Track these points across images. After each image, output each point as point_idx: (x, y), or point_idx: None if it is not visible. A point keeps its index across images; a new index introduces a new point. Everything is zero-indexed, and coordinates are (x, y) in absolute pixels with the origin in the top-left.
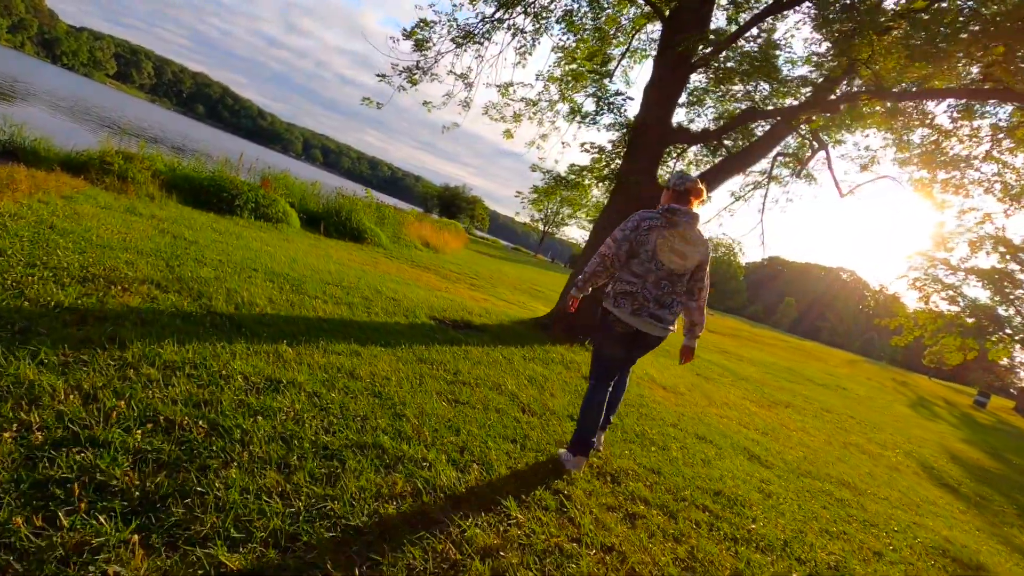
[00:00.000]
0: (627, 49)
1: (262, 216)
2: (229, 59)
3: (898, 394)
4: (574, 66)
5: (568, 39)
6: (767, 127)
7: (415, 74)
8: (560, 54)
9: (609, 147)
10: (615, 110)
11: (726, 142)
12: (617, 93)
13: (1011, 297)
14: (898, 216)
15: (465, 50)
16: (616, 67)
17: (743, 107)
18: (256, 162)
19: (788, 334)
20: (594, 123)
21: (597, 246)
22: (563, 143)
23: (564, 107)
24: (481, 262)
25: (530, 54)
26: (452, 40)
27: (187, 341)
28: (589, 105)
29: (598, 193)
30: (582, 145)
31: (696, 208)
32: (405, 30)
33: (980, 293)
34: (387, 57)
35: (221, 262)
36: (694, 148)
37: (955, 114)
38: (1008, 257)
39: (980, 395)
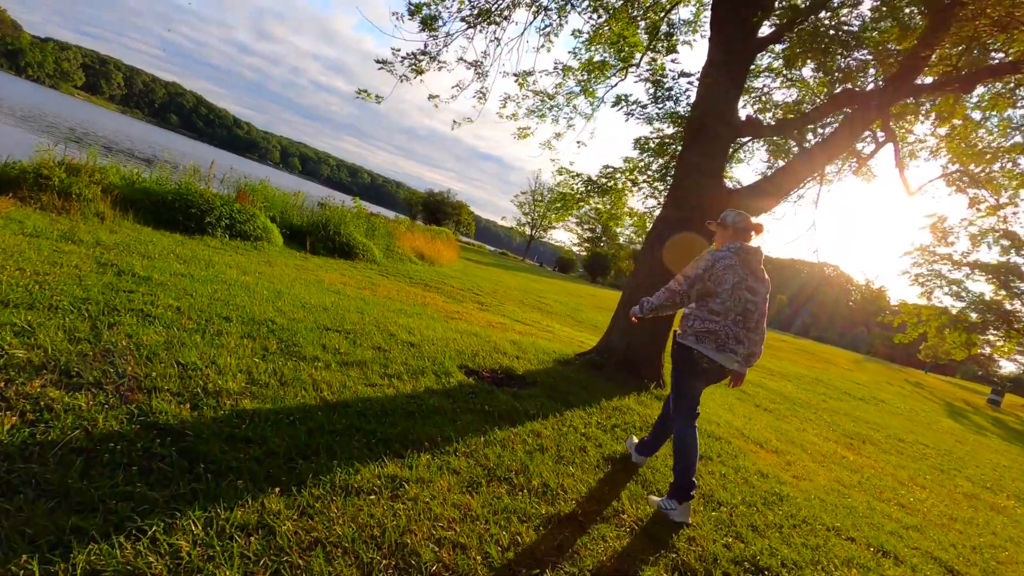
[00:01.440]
0: (657, 31)
1: (239, 234)
2: (203, 68)
3: (924, 400)
4: (598, 52)
5: (593, 18)
6: (836, 120)
7: (420, 61)
8: (583, 38)
9: (663, 140)
10: (674, 98)
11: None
12: (683, 74)
13: (1017, 291)
14: (878, 209)
15: (480, 31)
16: (643, 56)
17: (807, 97)
18: (231, 172)
19: (784, 333)
20: (644, 114)
21: (652, 264)
22: (578, 143)
23: (583, 102)
24: (478, 273)
25: (556, 35)
26: (463, 20)
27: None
28: (640, 93)
29: (638, 201)
30: (637, 141)
31: (756, 242)
32: (411, 4)
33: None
34: (391, 38)
35: (179, 311)
36: (756, 145)
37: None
38: (1013, 251)
39: (994, 393)
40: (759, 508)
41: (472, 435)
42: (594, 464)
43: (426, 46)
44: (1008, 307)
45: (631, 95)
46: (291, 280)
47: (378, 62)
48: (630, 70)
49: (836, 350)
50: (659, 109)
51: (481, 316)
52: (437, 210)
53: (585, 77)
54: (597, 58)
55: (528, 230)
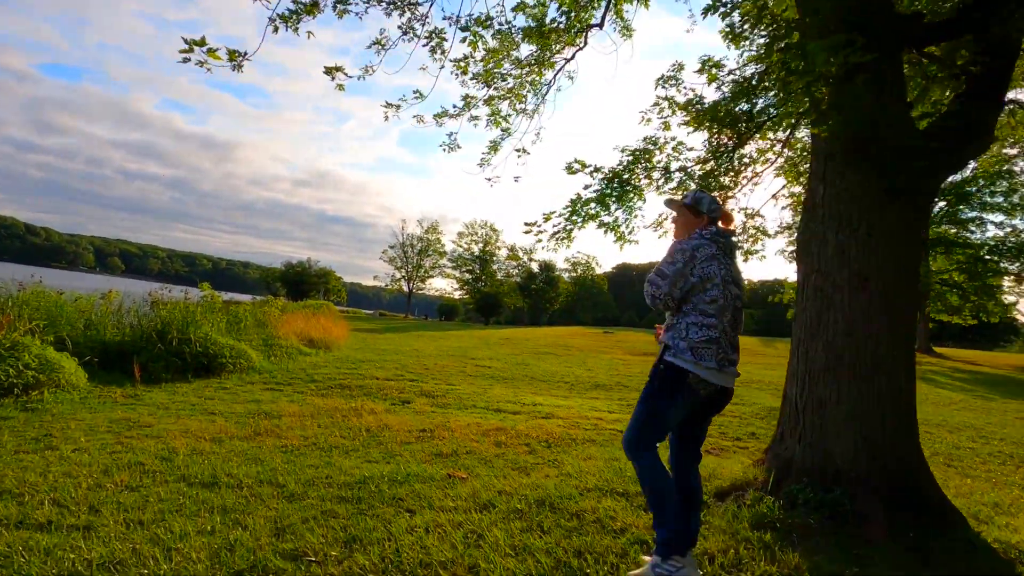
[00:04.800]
0: None
1: None
2: None
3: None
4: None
5: None
6: None
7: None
8: None
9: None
10: None
11: None
12: None
13: None
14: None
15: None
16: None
17: None
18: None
19: None
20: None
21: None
22: (519, 151)
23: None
24: (384, 347)
25: None
26: None
27: None
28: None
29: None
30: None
31: None
32: None
33: None
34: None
35: None
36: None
37: None
38: None
39: None
40: None
41: None
42: None
43: None
44: None
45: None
46: (94, 482)
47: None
48: (589, 34)
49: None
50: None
51: (463, 422)
52: (300, 282)
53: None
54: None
55: (405, 285)
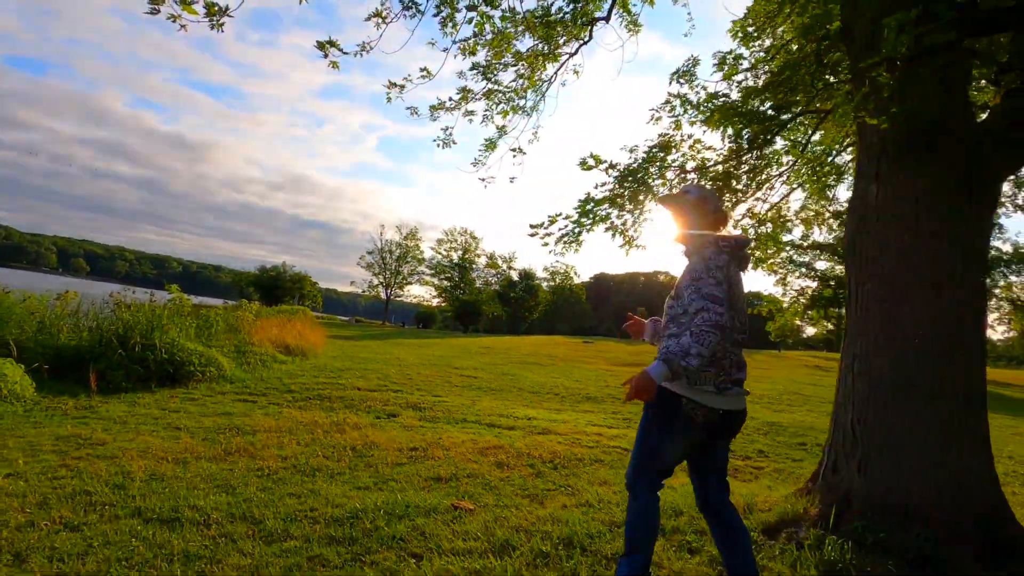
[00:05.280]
0: None
1: None
2: None
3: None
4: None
5: None
6: None
7: None
8: None
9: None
10: None
11: None
12: None
13: None
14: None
15: None
16: None
17: None
18: None
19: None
20: None
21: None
22: (514, 151)
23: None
24: (363, 355)
25: None
26: None
27: None
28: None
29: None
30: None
31: None
32: None
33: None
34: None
35: None
36: None
37: None
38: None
39: None
40: None
41: None
42: None
43: None
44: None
45: None
46: (25, 519)
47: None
48: (595, 28)
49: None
50: None
51: (457, 439)
52: (275, 287)
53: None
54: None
55: (383, 291)
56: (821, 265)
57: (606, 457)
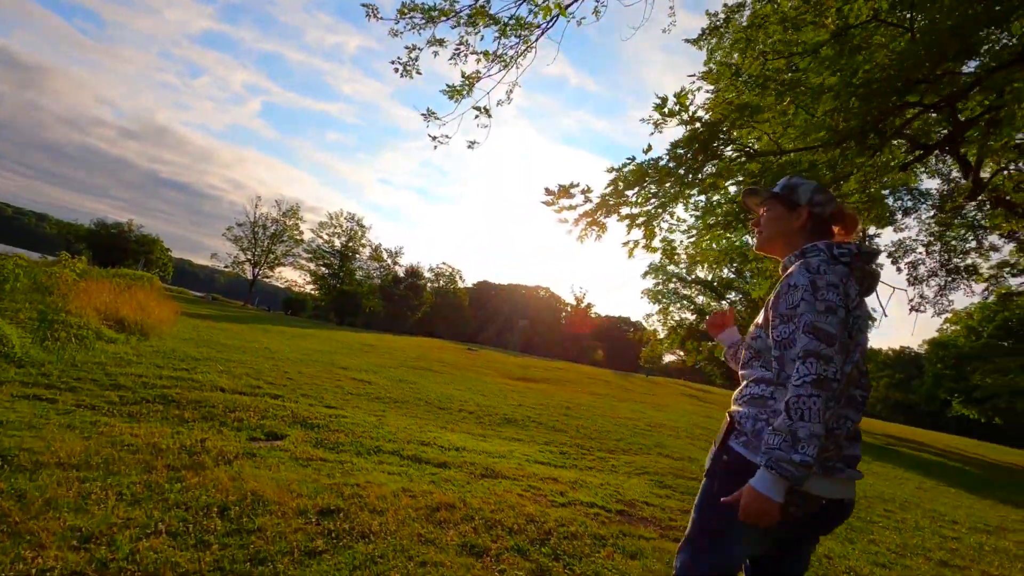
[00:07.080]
0: None
1: None
2: None
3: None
4: None
5: None
6: None
7: None
8: None
9: None
10: None
11: None
12: None
13: (730, 301)
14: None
15: None
16: None
17: None
18: None
19: (546, 358)
20: None
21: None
22: (479, 109)
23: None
24: (226, 341)
25: None
26: None
27: None
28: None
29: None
30: None
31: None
32: None
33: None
34: None
35: None
36: None
37: None
38: (723, 266)
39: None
40: None
41: None
42: None
43: None
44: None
45: None
46: None
47: None
48: None
49: (601, 370)
50: None
51: (383, 489)
52: (113, 247)
53: None
54: None
55: (249, 269)
56: (700, 300)
57: (597, 526)
